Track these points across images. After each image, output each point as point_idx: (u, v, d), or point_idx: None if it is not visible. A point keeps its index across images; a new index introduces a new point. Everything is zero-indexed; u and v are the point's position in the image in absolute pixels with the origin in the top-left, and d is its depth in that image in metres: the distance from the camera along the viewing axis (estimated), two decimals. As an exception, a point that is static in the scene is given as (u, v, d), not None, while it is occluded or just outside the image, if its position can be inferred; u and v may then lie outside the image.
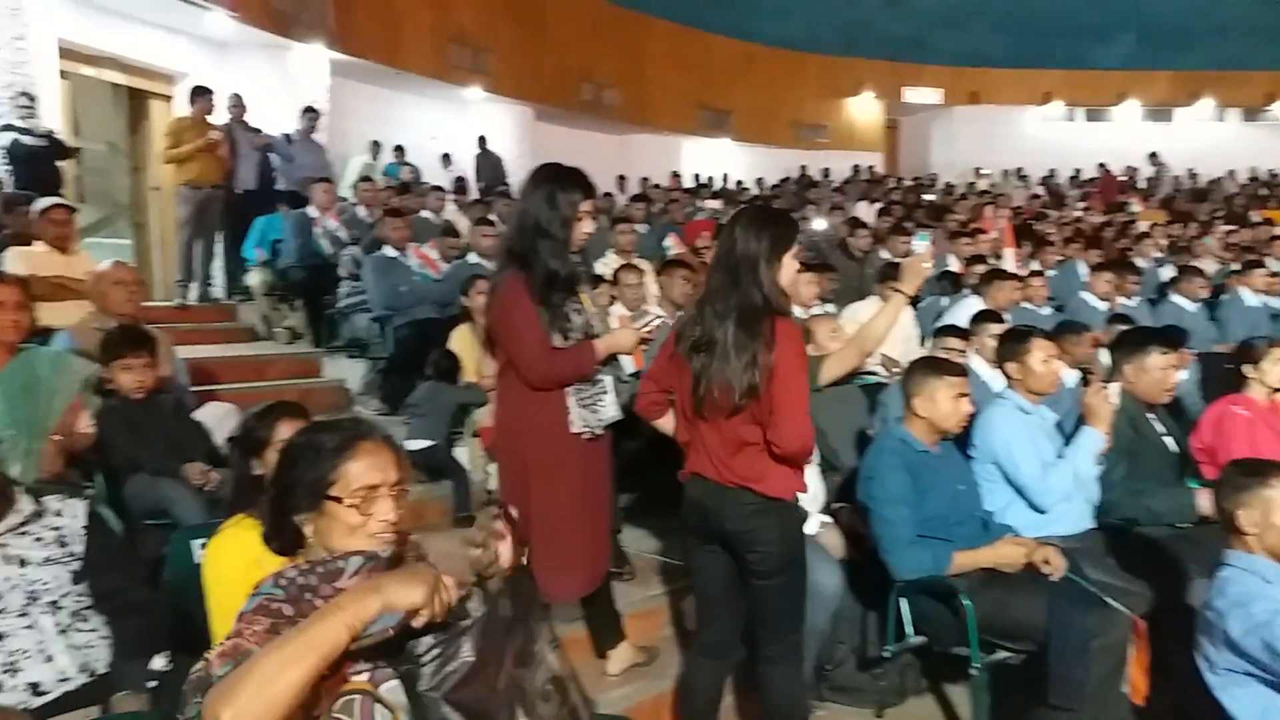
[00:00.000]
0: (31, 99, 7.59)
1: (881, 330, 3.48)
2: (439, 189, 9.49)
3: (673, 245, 8.23)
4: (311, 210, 7.32)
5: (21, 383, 3.03)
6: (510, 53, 14.63)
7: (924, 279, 3.55)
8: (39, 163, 7.34)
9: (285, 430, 2.49)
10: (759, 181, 17.16)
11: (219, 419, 4.10)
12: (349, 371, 6.79)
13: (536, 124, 15.52)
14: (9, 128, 7.38)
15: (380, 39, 12.33)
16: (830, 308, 5.92)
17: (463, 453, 5.21)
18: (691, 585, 2.97)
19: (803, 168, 18.40)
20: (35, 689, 2.02)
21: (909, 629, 3.12)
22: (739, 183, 16.76)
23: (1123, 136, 20.50)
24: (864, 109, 21.06)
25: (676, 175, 15.86)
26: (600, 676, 3.17)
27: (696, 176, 16.64)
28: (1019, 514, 3.40)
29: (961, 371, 3.30)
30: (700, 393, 2.59)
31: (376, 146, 11.76)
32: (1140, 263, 8.50)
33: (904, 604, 3.13)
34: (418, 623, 1.38)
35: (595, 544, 3.10)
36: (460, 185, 11.91)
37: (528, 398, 2.99)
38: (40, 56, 8.13)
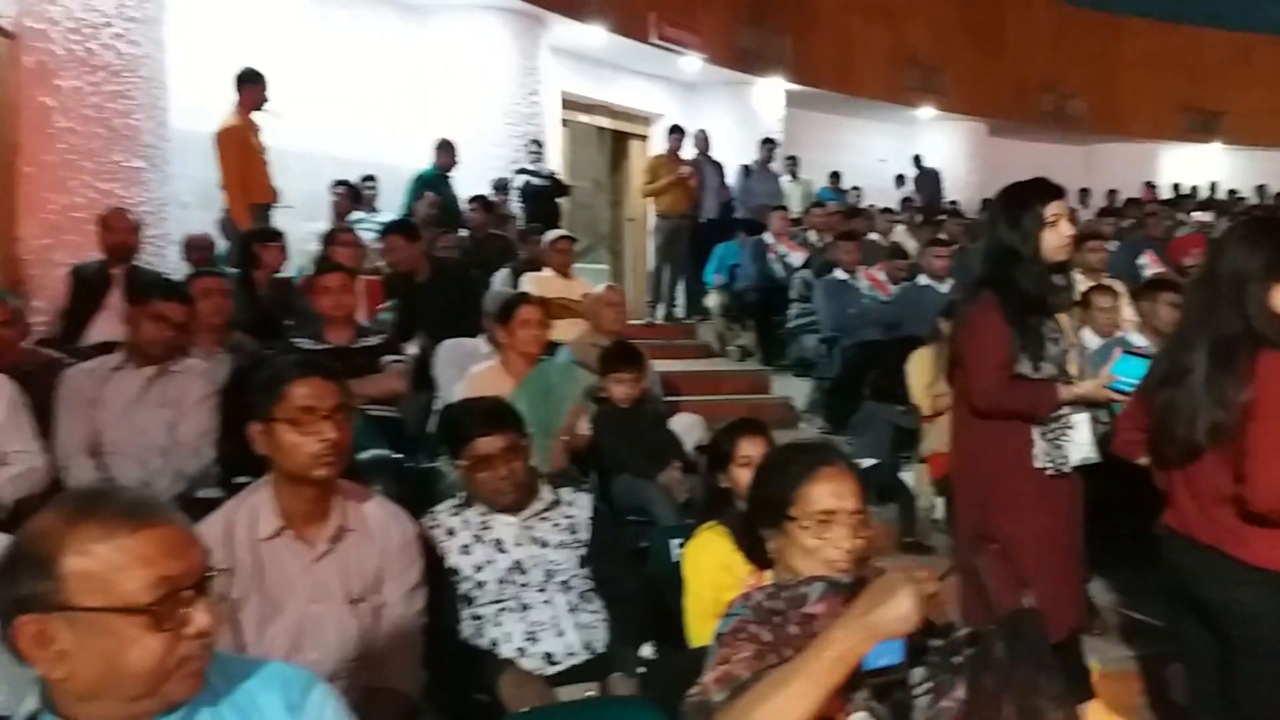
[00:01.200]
0: (540, 145, 8.87)
1: None
2: (888, 211, 9.46)
3: (1149, 264, 7.38)
4: (767, 236, 7.68)
5: (539, 389, 3.54)
6: (965, 69, 14.20)
7: None
8: (543, 200, 8.56)
9: (746, 446, 2.64)
10: (1259, 190, 14.77)
11: (687, 428, 4.46)
12: (795, 389, 7.00)
13: (990, 139, 14.87)
14: (523, 170, 8.70)
15: (835, 67, 12.61)
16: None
17: (909, 476, 5.12)
18: (1175, 652, 2.63)
19: (1319, 171, 15.52)
20: (549, 659, 2.31)
21: None
22: (1232, 192, 14.57)
23: None
24: None
25: (1151, 186, 14.19)
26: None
27: (1176, 187, 14.75)
28: None
29: None
30: (1163, 432, 2.29)
31: (793, 161, 11.56)
32: None
33: None
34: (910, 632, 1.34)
35: (1061, 590, 2.87)
36: (907, 205, 11.75)
37: (990, 427, 2.84)
38: (548, 108, 9.48)
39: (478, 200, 7.41)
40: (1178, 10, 16.25)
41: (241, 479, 3.14)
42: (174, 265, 5.89)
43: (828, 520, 1.56)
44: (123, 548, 1.10)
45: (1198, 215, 10.74)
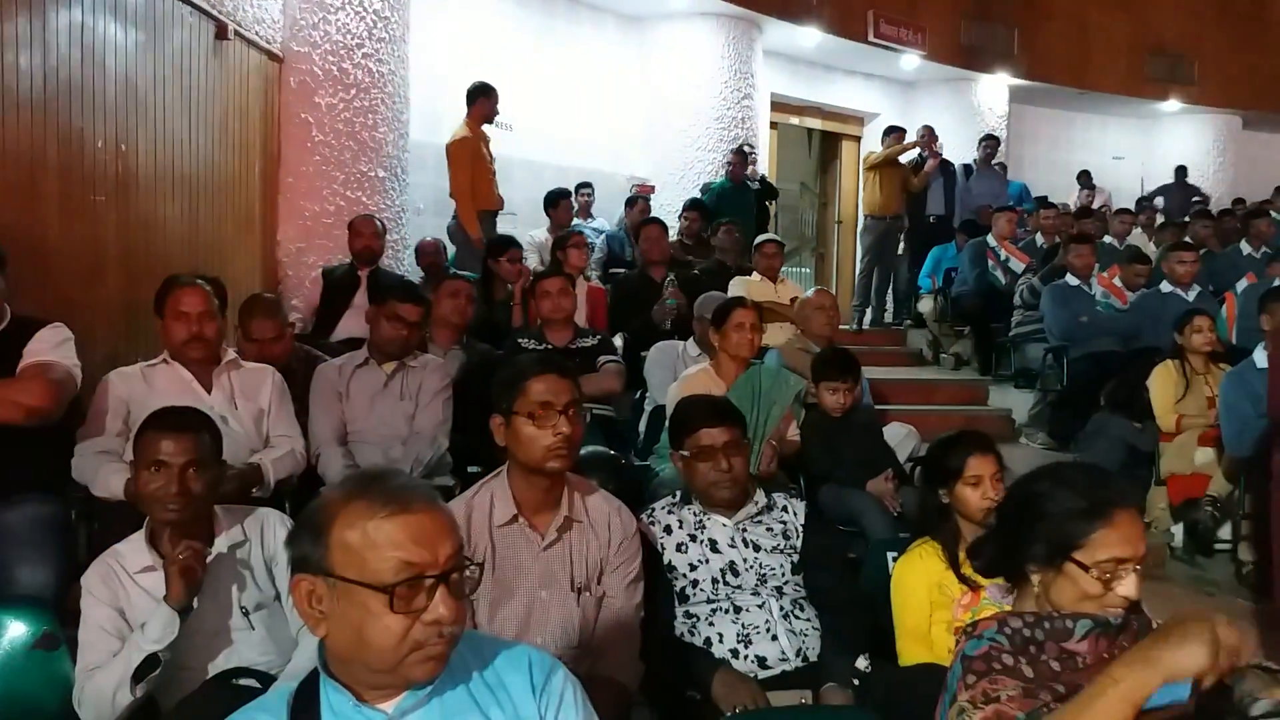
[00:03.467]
0: (752, 148, 8.87)
1: None
2: (1125, 211, 8.80)
3: None
4: (989, 239, 7.34)
5: (750, 392, 3.56)
6: (1217, 57, 12.96)
7: None
8: (756, 205, 8.55)
9: (976, 465, 2.47)
10: None
11: (900, 439, 4.34)
12: (1016, 401, 6.67)
13: (1244, 133, 13.53)
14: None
15: (1068, 59, 11.86)
16: None
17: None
18: None
19: None
20: (762, 662, 2.31)
21: None
22: None
23: None
24: None
25: None
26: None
27: None
28: None
29: None
30: None
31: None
32: None
33: None
34: (1207, 683, 1.24)
35: None
36: (1144, 206, 10.87)
37: None
38: (759, 111, 9.47)
39: (694, 206, 7.48)
40: None
41: (472, 468, 3.36)
42: (410, 268, 6.33)
43: (1118, 570, 1.47)
44: (379, 529, 1.20)
45: None
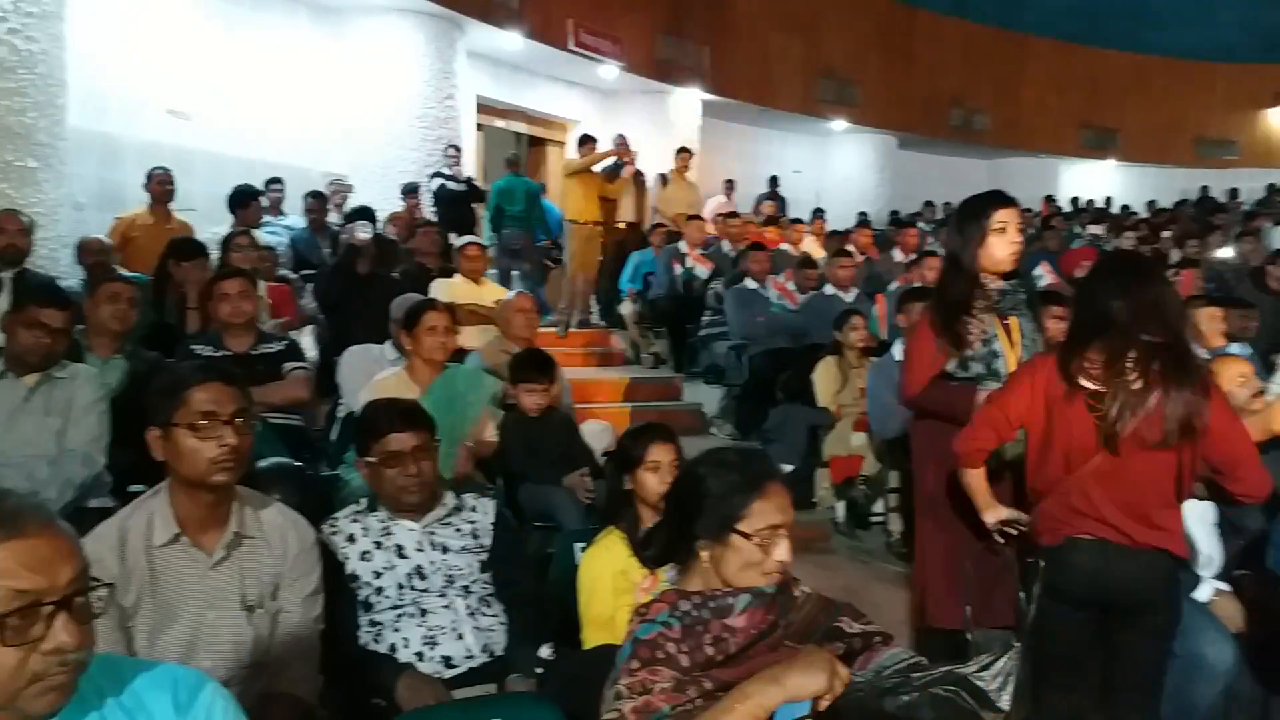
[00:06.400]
0: (457, 150, 8.83)
1: None
2: (799, 221, 9.66)
3: (1044, 274, 7.69)
4: (682, 245, 7.78)
5: (445, 395, 3.55)
6: (877, 83, 14.59)
7: None
8: (458, 205, 8.52)
9: (657, 451, 2.65)
10: (1150, 205, 15.54)
11: (596, 435, 4.50)
12: (706, 396, 7.12)
13: (900, 152, 15.31)
14: (438, 174, 8.64)
15: (751, 78, 12.83)
16: (1239, 348, 5.24)
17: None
18: (1036, 642, 2.72)
19: (1204, 188, 16.37)
20: (448, 662, 2.33)
21: (1325, 722, 2.69)
22: (1125, 207, 15.29)
23: None
24: (1286, 120, 18.32)
25: (1050, 200, 14.82)
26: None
27: (1075, 201, 15.44)
28: None
29: None
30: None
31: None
32: None
33: (1319, 693, 2.71)
34: (822, 706, 1.44)
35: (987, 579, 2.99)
36: (818, 216, 12.00)
37: (925, 423, 3.08)
38: (463, 112, 9.44)
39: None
40: (1079, 31, 16.96)
41: (135, 488, 3.09)
42: (68, 269, 5.70)
43: (774, 535, 1.64)
44: None
45: (1092, 229, 11.23)
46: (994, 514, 2.68)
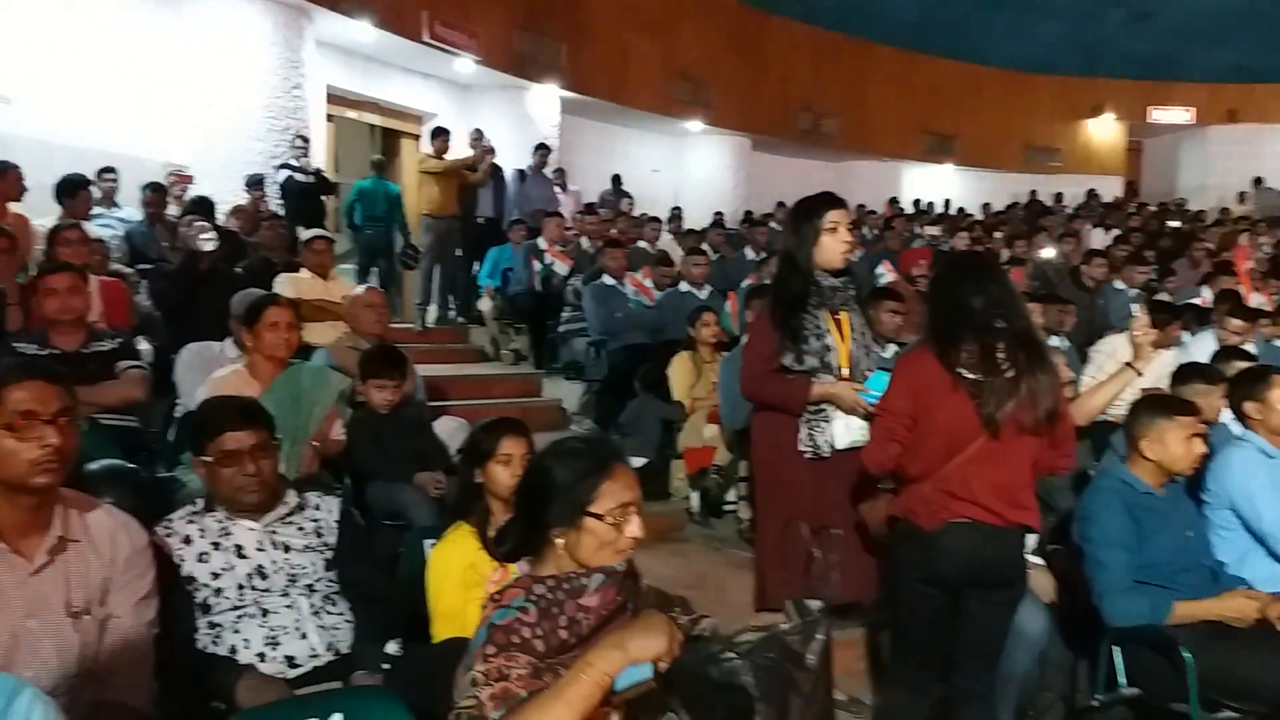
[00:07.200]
0: (305, 140, 8.55)
1: (1101, 404, 3.42)
2: (655, 220, 9.82)
3: (886, 273, 8.09)
4: (541, 242, 7.80)
5: (288, 393, 3.46)
6: (731, 86, 14.92)
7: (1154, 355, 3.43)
8: (306, 198, 8.27)
9: (508, 445, 2.68)
10: (985, 207, 16.52)
11: (451, 433, 4.45)
12: (566, 392, 7.15)
13: (753, 154, 15.72)
14: (285, 166, 8.36)
15: (609, 76, 12.92)
16: (1057, 341, 5.67)
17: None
18: (900, 624, 2.83)
19: (1032, 193, 17.52)
20: (291, 661, 2.30)
21: (1121, 679, 2.96)
22: (961, 209, 16.20)
23: None
24: (1103, 131, 19.79)
25: (894, 202, 15.54)
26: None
27: (916, 203, 16.24)
28: (1257, 566, 3.14)
29: (1193, 410, 3.11)
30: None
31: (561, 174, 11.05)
32: None
33: (1117, 653, 2.97)
34: (663, 666, 1.51)
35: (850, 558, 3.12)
36: (675, 215, 12.19)
37: (763, 414, 3.23)
38: (313, 102, 9.15)
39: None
40: (920, 40, 17.79)
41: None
42: None
43: (625, 513, 1.70)
44: None
45: (929, 230, 11.85)
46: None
